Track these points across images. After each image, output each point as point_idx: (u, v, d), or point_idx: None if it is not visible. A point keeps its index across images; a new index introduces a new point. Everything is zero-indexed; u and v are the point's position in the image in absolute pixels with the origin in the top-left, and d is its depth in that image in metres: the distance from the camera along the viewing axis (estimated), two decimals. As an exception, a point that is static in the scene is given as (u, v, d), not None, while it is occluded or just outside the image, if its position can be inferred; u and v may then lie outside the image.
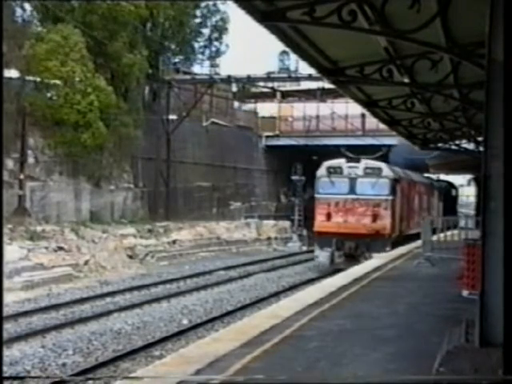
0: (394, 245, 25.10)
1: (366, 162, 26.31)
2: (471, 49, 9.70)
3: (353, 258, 24.29)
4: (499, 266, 6.29)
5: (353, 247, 25.01)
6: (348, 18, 7.95)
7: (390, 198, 25.74)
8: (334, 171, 26.03)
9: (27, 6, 30.08)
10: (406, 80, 11.89)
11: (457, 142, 22.23)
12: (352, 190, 25.64)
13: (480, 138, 18.19)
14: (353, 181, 25.69)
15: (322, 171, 26.43)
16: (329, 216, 25.77)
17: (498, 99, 6.59)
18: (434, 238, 19.36)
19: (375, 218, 25.31)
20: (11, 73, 25.19)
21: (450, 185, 45.91)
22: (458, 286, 11.67)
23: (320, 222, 26.00)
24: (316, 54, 11.09)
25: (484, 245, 6.94)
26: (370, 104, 15.55)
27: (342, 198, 25.76)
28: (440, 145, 22.90)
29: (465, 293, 11.05)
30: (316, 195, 26.77)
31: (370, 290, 13.44)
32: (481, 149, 14.95)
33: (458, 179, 57.56)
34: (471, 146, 22.45)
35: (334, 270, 22.40)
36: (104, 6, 29.89)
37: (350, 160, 26.55)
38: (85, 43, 28.18)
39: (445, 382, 6.30)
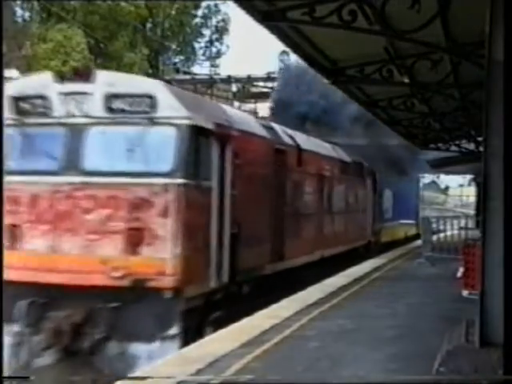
0: (209, 313, 10.27)
1: (110, 80, 10.01)
2: (471, 49, 9.71)
3: (80, 358, 9.08)
4: (499, 266, 6.29)
5: (72, 324, 9.07)
6: (348, 18, 7.97)
7: (181, 181, 9.50)
8: (32, 107, 10.10)
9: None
10: (406, 80, 11.89)
11: (457, 142, 22.23)
12: (73, 161, 9.76)
13: (480, 138, 18.18)
14: (77, 134, 9.83)
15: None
16: (14, 233, 9.47)
17: (498, 99, 6.60)
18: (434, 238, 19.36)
19: (138, 237, 9.33)
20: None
21: (402, 171, 27.05)
22: (458, 286, 11.67)
23: None
24: (316, 54, 11.11)
25: (484, 245, 6.94)
26: (370, 104, 15.54)
27: (46, 182, 9.78)
28: (440, 145, 22.90)
29: (465, 293, 11.05)
30: None
31: (370, 290, 13.43)
32: (481, 149, 14.94)
33: (458, 179, 57.68)
34: (471, 146, 22.45)
35: None
36: (104, 6, 29.94)
37: (69, 75, 10.38)
38: (86, 43, 28.21)
39: (445, 381, 6.30)
